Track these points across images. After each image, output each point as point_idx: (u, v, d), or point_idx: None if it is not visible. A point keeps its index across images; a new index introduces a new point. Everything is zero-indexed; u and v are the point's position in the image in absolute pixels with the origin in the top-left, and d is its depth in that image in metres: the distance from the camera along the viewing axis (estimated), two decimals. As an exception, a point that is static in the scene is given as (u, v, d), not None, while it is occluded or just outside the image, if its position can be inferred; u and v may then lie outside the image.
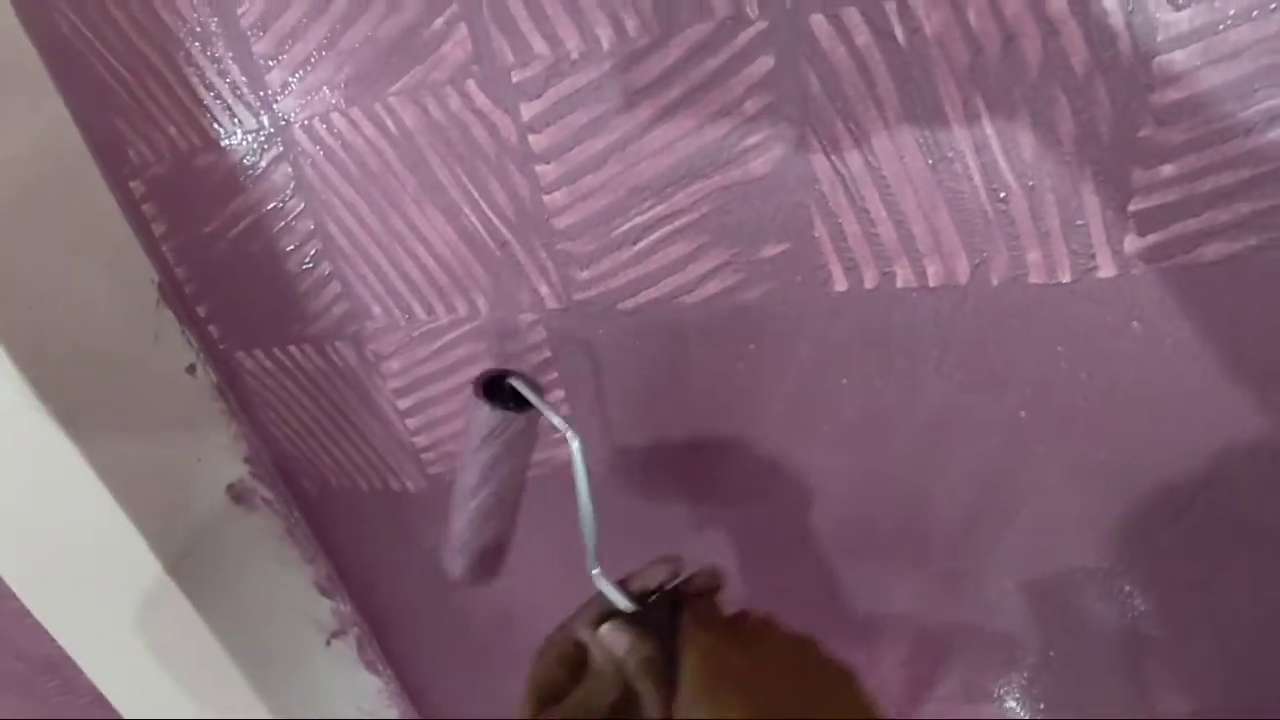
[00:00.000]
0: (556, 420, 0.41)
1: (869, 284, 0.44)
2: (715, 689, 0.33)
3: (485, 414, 0.44)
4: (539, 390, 0.44)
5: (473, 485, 0.46)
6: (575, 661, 0.39)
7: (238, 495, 0.66)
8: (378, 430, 0.64)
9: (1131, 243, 0.39)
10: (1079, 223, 0.40)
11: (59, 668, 0.75)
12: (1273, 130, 0.35)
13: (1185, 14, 0.34)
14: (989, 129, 0.38)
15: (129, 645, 0.65)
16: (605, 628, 0.38)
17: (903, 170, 0.40)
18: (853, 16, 0.37)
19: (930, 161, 0.40)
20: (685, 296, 0.48)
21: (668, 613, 0.38)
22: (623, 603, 0.39)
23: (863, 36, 0.38)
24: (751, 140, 0.42)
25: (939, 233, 0.42)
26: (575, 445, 0.40)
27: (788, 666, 0.34)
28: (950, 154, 0.39)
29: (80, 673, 0.71)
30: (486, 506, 0.47)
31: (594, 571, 0.39)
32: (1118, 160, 0.37)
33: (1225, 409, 0.42)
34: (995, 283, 0.42)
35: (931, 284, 0.43)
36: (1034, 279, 0.42)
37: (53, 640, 0.69)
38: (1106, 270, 0.40)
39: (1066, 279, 0.41)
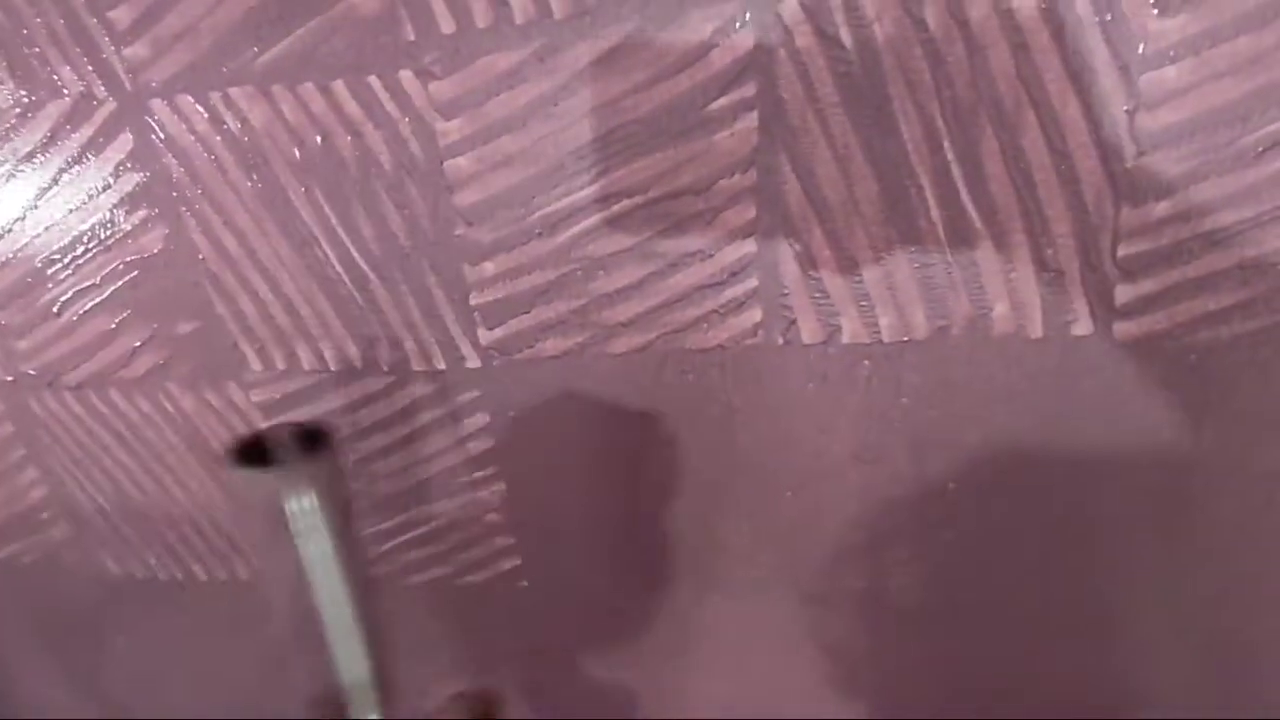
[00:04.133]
0: None
1: (281, 365, 0.44)
2: None
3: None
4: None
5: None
6: None
7: None
8: None
9: (484, 336, 0.41)
10: (438, 315, 0.41)
11: None
12: (560, 234, 0.37)
13: (455, 123, 0.36)
14: (333, 219, 0.39)
15: None
16: None
17: (274, 255, 0.41)
18: (187, 103, 0.38)
19: (295, 247, 0.41)
20: (122, 371, 0.46)
21: None
22: None
23: (202, 124, 0.39)
24: (137, 216, 0.42)
25: (323, 316, 0.42)
26: None
27: None
28: (309, 241, 0.40)
29: None
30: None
31: None
32: (448, 257, 0.39)
33: (614, 510, 0.44)
34: (385, 368, 0.43)
35: (333, 368, 0.43)
36: (415, 366, 0.42)
37: None
38: (473, 362, 0.41)
39: (442, 366, 0.42)
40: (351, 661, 0.30)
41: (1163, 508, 0.37)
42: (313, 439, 0.30)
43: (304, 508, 0.29)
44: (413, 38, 0.35)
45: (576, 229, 0.37)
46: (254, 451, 0.30)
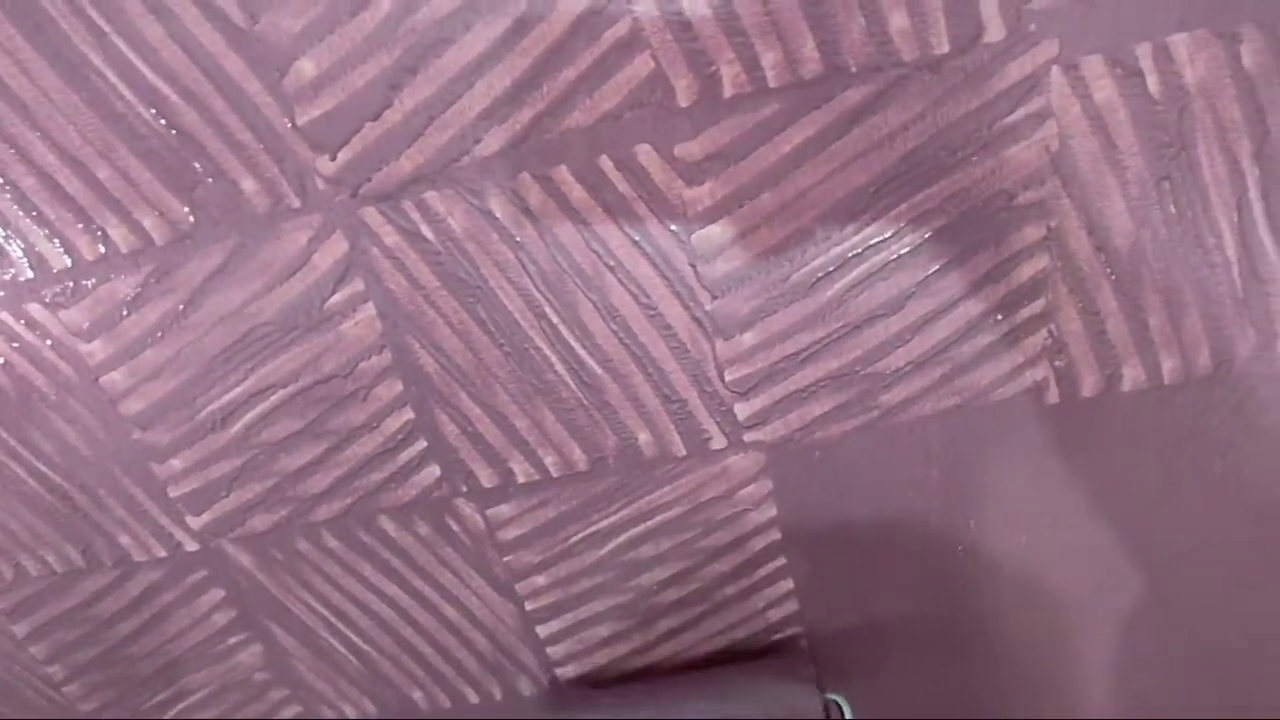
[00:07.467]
0: None
1: (9, 575, 0.44)
2: None
3: None
4: None
5: None
6: None
7: None
8: None
9: (194, 522, 0.42)
10: (143, 510, 0.42)
11: None
12: (232, 425, 0.39)
13: (97, 344, 0.37)
14: (11, 441, 0.40)
15: None
16: None
17: (-33, 480, 0.41)
18: None
19: (24, 472, 0.41)
20: None
21: None
22: None
23: None
24: None
25: (33, 527, 0.42)
26: None
27: None
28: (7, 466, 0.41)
29: None
30: None
31: None
32: (132, 459, 0.40)
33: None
34: (109, 564, 0.43)
35: (59, 570, 0.44)
36: (138, 558, 0.43)
37: None
38: (190, 546, 0.42)
39: (163, 554, 0.43)
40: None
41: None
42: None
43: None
44: (30, 275, 0.35)
45: (246, 419, 0.38)
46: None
